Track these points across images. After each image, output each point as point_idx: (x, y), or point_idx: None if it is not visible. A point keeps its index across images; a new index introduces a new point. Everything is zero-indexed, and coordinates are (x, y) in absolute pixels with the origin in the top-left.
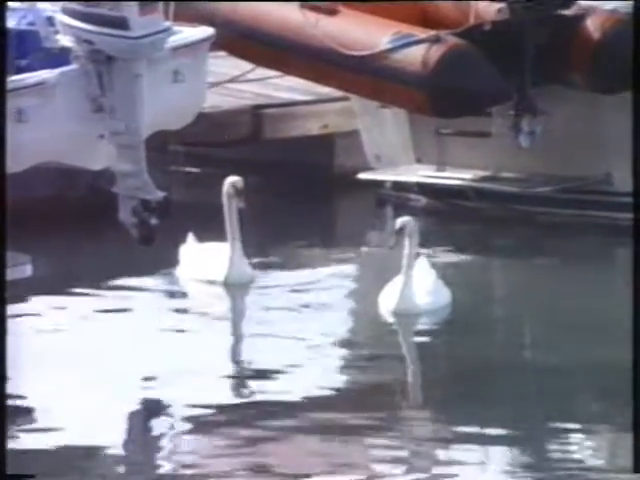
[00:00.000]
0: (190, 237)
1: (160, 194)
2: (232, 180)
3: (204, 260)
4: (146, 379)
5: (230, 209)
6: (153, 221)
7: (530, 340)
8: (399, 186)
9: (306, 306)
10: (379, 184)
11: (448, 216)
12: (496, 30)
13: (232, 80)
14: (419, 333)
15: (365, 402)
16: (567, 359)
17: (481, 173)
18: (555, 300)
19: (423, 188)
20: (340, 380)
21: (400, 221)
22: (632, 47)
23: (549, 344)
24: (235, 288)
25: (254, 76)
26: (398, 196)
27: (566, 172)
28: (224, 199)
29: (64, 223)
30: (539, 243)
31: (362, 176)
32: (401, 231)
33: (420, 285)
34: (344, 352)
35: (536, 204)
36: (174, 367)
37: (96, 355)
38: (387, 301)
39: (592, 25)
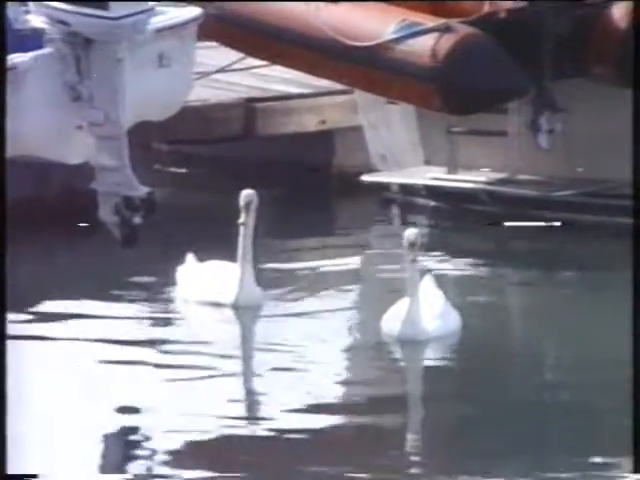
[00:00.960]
0: (189, 257)
1: (144, 190)
2: (248, 193)
3: (208, 280)
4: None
5: (246, 225)
6: (136, 220)
7: (550, 373)
8: (406, 189)
9: (305, 333)
10: (384, 186)
11: (460, 222)
12: (512, 19)
13: (220, 71)
14: (425, 363)
15: (364, 444)
16: (592, 395)
17: (496, 175)
18: (578, 322)
19: (432, 191)
20: (337, 419)
21: (411, 234)
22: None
23: (572, 377)
24: (243, 311)
25: (244, 66)
26: (405, 200)
27: (590, 174)
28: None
29: (38, 226)
30: (560, 253)
31: (366, 178)
32: (414, 245)
33: (426, 308)
34: (341, 389)
35: (557, 209)
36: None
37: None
38: (390, 326)
39: (618, 13)
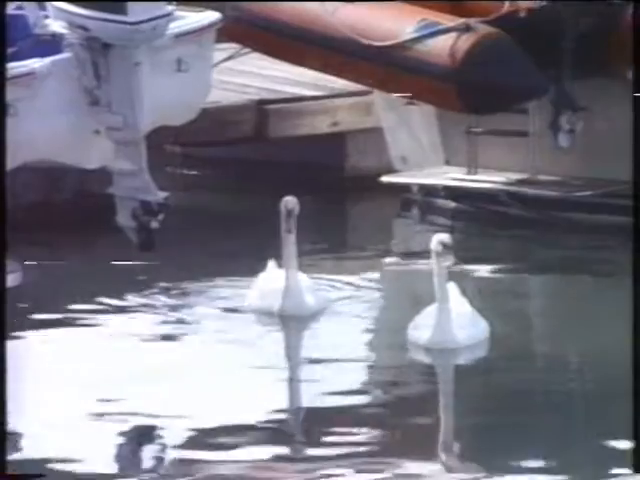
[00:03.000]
0: (271, 264)
1: (161, 195)
2: (290, 200)
3: (267, 288)
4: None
5: (290, 232)
6: (154, 225)
7: (573, 376)
8: (426, 190)
9: (323, 341)
10: (404, 188)
11: (480, 223)
12: (532, 18)
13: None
14: (457, 372)
15: (392, 453)
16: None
17: (517, 176)
18: (604, 327)
19: (452, 192)
20: (366, 428)
21: (442, 238)
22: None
23: (603, 388)
24: (290, 320)
25: (255, 69)
26: (425, 201)
27: (612, 175)
28: (283, 220)
29: (50, 231)
30: (583, 255)
31: (385, 179)
32: (446, 248)
33: (453, 316)
34: (366, 397)
35: (579, 210)
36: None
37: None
38: (418, 334)
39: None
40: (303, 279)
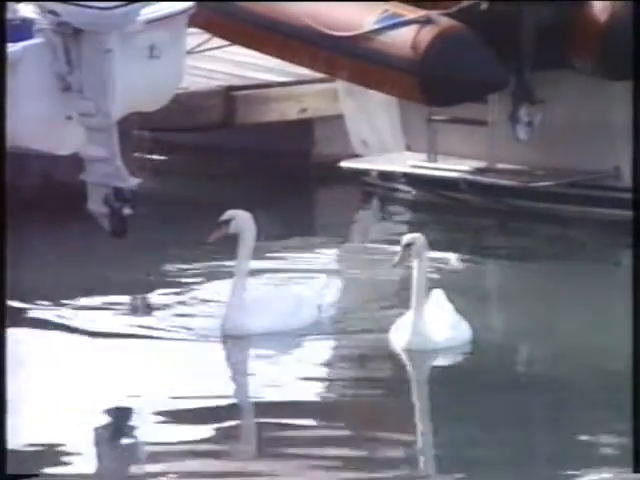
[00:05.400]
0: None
1: (134, 181)
2: (229, 213)
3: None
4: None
5: (244, 242)
6: (126, 211)
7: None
8: (386, 176)
9: (291, 339)
10: (364, 174)
11: (439, 210)
12: (493, 10)
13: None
14: (434, 378)
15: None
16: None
17: (475, 164)
18: (563, 314)
19: (412, 178)
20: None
21: (409, 237)
22: (634, 39)
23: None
24: (229, 340)
25: (223, 54)
26: (385, 187)
27: (569, 165)
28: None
29: (16, 218)
30: (539, 244)
31: (345, 164)
32: (408, 247)
33: (436, 319)
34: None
35: (536, 200)
36: None
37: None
38: (398, 336)
39: (599, 4)
40: (257, 296)
